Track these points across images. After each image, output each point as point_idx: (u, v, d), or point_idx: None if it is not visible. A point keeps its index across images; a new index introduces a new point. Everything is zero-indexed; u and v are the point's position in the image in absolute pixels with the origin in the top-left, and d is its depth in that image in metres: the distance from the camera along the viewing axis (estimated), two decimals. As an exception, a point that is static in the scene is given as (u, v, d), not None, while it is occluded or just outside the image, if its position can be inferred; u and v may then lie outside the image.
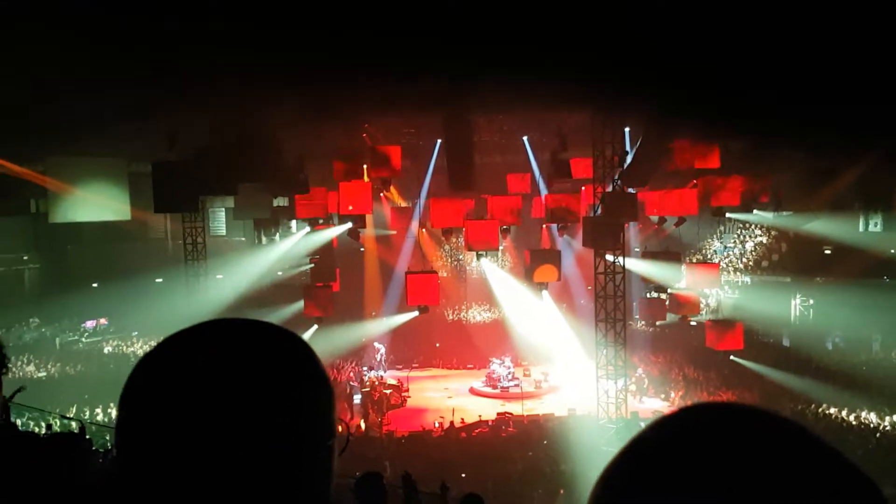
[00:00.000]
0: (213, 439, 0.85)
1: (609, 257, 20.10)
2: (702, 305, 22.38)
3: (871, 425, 19.70)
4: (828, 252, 28.43)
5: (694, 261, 30.17)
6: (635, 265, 23.02)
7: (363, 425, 21.71)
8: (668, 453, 0.65)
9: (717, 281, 21.19)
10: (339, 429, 1.01)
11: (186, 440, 0.85)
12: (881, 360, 26.32)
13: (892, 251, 25.78)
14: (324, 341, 25.81)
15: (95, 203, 21.57)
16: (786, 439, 0.65)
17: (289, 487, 0.89)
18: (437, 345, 30.23)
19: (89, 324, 29.94)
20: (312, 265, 23.57)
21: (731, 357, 22.91)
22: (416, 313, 22.55)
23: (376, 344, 28.45)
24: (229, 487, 0.85)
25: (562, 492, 14.86)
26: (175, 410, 0.86)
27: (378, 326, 29.72)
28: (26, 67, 11.68)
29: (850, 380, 23.15)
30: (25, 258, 30.70)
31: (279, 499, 0.88)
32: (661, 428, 0.69)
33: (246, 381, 0.88)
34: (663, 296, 23.30)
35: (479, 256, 23.61)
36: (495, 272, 30.87)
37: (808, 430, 0.67)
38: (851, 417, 20.28)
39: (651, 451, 0.67)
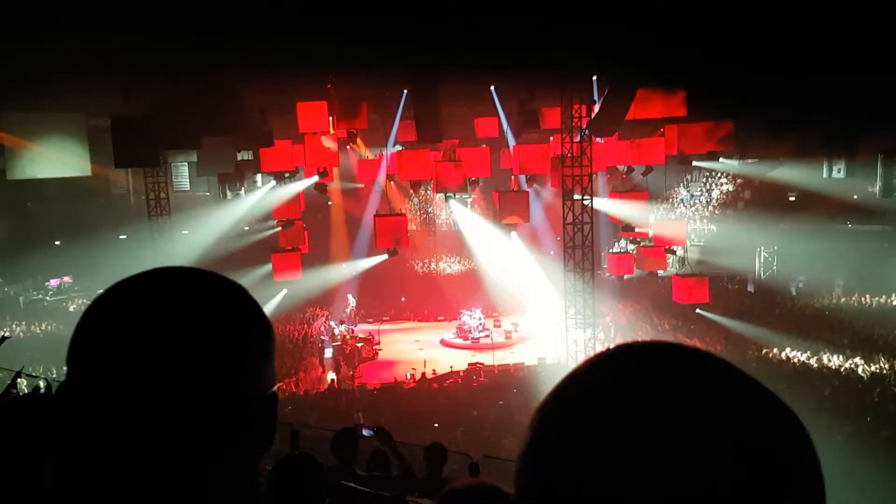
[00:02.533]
0: (143, 386, 0.84)
1: (577, 196, 20.22)
2: (668, 259, 22.56)
3: (833, 368, 20.21)
4: (792, 199, 28.82)
5: (661, 210, 30.43)
6: (604, 204, 23.17)
7: (335, 378, 21.81)
8: (599, 392, 0.65)
9: (685, 237, 21.33)
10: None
11: (116, 389, 0.85)
12: (843, 304, 26.94)
13: (855, 197, 26.20)
14: (292, 293, 25.76)
15: (55, 159, 21.06)
16: (714, 375, 0.66)
17: (223, 434, 0.88)
18: (403, 299, 30.33)
19: (53, 282, 29.53)
20: (280, 227, 23.20)
21: (697, 311, 23.26)
22: (383, 257, 22.44)
23: (349, 296, 28.56)
24: (160, 434, 0.85)
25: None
26: (106, 360, 0.86)
27: (346, 271, 29.76)
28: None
29: (812, 324, 23.70)
30: (-16, 216, 30.03)
31: (214, 445, 0.87)
32: (593, 368, 0.69)
33: (176, 327, 0.87)
34: (631, 248, 23.49)
35: (447, 199, 23.42)
36: (465, 214, 30.83)
37: (733, 365, 0.67)
38: (813, 361, 20.78)
39: (583, 389, 0.67)
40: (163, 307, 0.88)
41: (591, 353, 0.71)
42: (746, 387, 0.66)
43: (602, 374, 0.68)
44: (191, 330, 0.87)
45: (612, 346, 0.71)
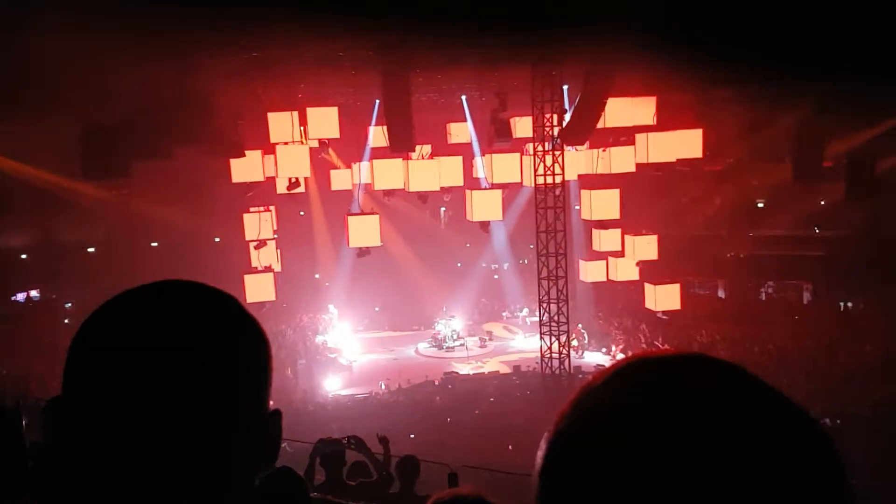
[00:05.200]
0: (140, 408, 0.82)
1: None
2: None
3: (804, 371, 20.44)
4: (760, 205, 29.18)
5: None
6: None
7: (308, 390, 21.64)
8: (619, 407, 0.65)
9: (655, 251, 21.39)
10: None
11: (111, 408, 0.83)
12: (812, 309, 27.33)
13: (822, 202, 26.55)
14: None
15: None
16: (735, 385, 0.65)
17: (224, 453, 0.86)
18: (377, 308, 30.24)
19: (20, 296, 29.00)
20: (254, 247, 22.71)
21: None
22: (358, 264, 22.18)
23: (330, 306, 28.46)
24: (161, 454, 0.82)
25: (510, 447, 15.08)
26: (101, 378, 0.84)
27: (321, 281, 29.64)
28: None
29: (782, 328, 24.00)
30: (-52, 230, 29.39)
31: (216, 465, 0.85)
32: (612, 381, 0.68)
33: (171, 345, 0.85)
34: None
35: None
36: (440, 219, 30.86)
37: (749, 372, 0.67)
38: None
39: (604, 405, 0.66)
40: (161, 322, 0.87)
41: (608, 366, 0.70)
42: (760, 392, 0.66)
43: (619, 387, 0.67)
44: (190, 346, 0.85)
45: (623, 358, 0.70)
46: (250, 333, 0.92)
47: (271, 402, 0.94)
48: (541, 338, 21.17)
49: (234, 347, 0.88)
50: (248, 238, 22.40)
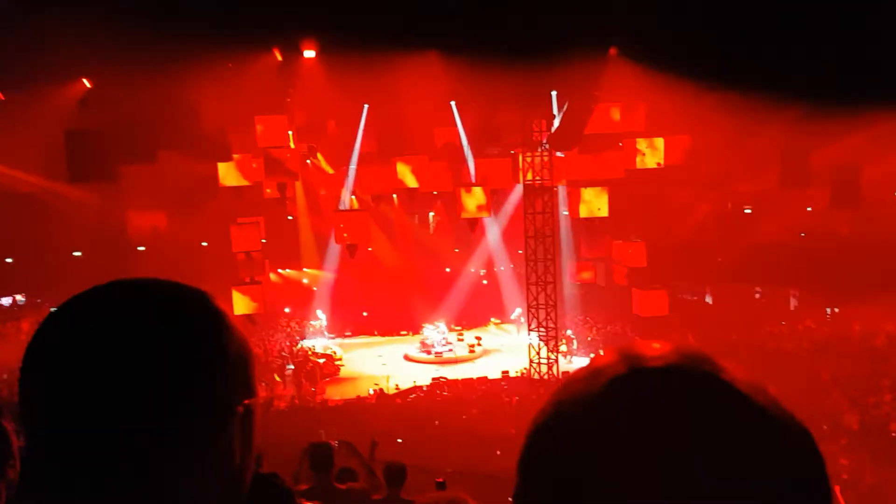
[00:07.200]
0: (102, 406, 0.80)
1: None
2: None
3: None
4: (747, 211, 29.32)
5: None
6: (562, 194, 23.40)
7: (296, 395, 21.55)
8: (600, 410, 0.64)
9: (644, 259, 21.44)
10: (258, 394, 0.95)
11: (73, 406, 0.81)
12: (799, 314, 27.47)
13: (808, 209, 26.70)
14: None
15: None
16: (714, 395, 0.63)
17: (193, 452, 0.83)
18: (365, 314, 30.18)
19: (5, 300, 28.83)
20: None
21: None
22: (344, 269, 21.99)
23: (318, 312, 28.35)
24: (123, 456, 0.80)
25: (498, 452, 15.05)
26: (62, 376, 0.82)
27: (308, 286, 29.57)
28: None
29: (769, 334, 24.09)
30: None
31: (183, 464, 0.83)
32: (590, 378, 0.67)
33: (138, 341, 0.83)
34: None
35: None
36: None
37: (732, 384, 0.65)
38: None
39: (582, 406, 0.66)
40: (109, 321, 0.85)
41: (576, 367, 0.70)
42: (734, 395, 0.64)
43: (595, 384, 0.67)
44: (141, 344, 0.83)
45: (602, 354, 0.69)
46: (213, 327, 0.89)
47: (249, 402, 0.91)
48: (528, 342, 21.18)
49: (189, 342, 0.86)
50: (235, 250, 21.68)
